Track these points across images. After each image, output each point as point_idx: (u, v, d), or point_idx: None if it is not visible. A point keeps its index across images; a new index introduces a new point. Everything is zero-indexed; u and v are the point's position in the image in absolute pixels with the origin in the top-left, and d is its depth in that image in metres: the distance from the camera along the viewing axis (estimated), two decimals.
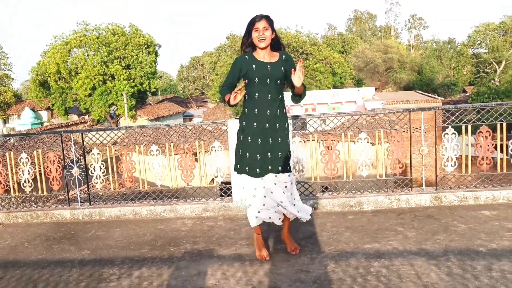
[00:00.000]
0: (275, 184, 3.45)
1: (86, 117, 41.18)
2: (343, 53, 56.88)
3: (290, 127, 3.62)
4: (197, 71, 60.12)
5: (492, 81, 46.77)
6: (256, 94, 3.38)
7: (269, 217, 3.53)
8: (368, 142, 5.06)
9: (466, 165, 5.00)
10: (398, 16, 73.57)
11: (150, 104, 46.08)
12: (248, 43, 3.43)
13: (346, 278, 3.18)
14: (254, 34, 3.33)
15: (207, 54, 56.16)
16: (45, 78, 38.95)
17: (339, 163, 5.10)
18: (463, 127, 4.95)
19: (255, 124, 3.39)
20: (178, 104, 49.23)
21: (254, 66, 3.35)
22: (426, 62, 55.03)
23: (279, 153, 3.43)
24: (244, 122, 3.45)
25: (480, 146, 4.90)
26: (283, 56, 3.46)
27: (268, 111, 3.37)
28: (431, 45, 63.42)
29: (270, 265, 3.49)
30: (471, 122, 4.92)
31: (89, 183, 5.49)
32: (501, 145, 5.03)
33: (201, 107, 53.50)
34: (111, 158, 5.52)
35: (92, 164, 5.51)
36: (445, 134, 4.94)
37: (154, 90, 41.64)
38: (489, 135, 4.89)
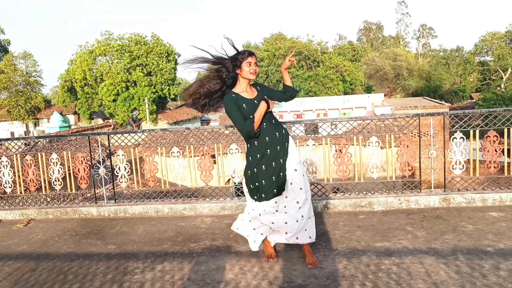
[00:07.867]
0: (284, 206, 3.40)
1: (110, 121, 41.63)
2: (353, 61, 56.59)
3: (292, 141, 3.54)
4: None
5: (498, 88, 46.10)
6: None
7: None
8: (378, 145, 5.03)
9: (474, 169, 4.94)
10: (408, 26, 72.60)
11: (170, 109, 46.32)
12: (232, 71, 3.39)
13: (358, 275, 3.17)
14: (246, 68, 3.34)
15: None
16: (72, 84, 39.56)
17: (351, 166, 5.08)
18: (471, 131, 4.89)
19: (258, 155, 3.34)
20: (196, 109, 49.38)
21: (244, 105, 3.34)
22: (434, 70, 54.53)
23: (281, 174, 3.34)
24: (250, 157, 3.39)
25: (488, 151, 4.84)
26: (258, 88, 3.52)
27: (267, 137, 3.33)
28: (439, 53, 62.79)
29: (286, 262, 3.50)
30: (479, 127, 4.86)
31: (115, 182, 5.56)
32: (508, 150, 4.96)
33: (218, 111, 53.51)
34: (135, 159, 5.59)
35: (117, 165, 5.58)
36: (453, 138, 4.89)
37: (174, 96, 41.93)
38: (497, 140, 4.83)
